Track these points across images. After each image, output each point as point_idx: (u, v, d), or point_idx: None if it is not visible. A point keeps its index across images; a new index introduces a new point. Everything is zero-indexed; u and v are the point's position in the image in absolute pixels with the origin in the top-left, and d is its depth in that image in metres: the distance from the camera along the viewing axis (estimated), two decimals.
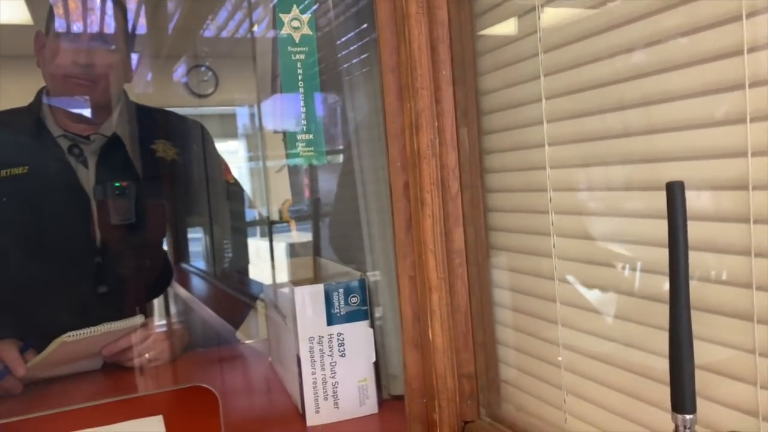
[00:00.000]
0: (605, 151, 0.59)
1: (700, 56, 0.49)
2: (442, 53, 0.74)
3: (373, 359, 0.85)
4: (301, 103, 0.73)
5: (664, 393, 0.45)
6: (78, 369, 1.12)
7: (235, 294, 1.54)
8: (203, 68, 4.58)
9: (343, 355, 0.84)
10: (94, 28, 1.26)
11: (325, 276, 1.04)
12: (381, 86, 0.76)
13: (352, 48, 0.87)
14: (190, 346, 1.23)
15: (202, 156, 1.42)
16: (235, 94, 4.73)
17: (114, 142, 1.24)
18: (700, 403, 0.43)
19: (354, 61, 0.86)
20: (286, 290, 0.90)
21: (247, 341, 1.45)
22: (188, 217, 1.46)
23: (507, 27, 0.71)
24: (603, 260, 0.60)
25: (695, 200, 0.50)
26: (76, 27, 1.26)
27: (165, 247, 1.34)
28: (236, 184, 1.54)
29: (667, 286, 0.41)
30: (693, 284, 0.44)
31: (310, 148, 0.73)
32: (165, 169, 1.31)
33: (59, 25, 1.21)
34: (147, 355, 1.12)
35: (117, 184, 1.18)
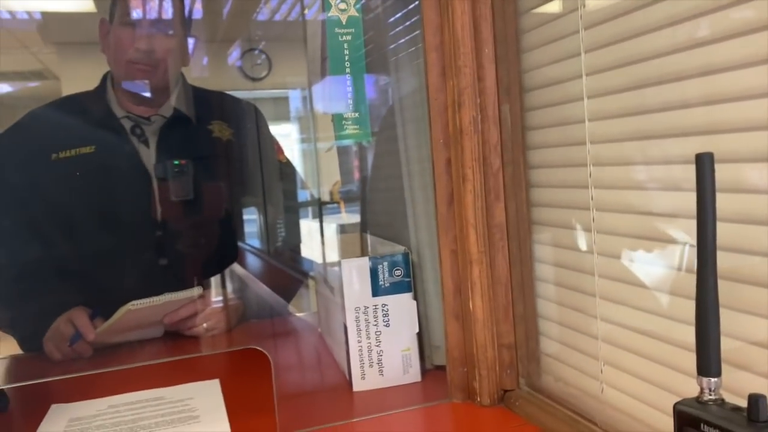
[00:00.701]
0: (645, 125, 0.59)
1: (741, 30, 0.49)
2: (485, 32, 0.76)
3: (416, 330, 0.89)
4: (348, 83, 0.76)
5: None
6: (141, 336, 1.20)
7: (287, 270, 1.60)
8: (256, 52, 4.67)
9: (387, 325, 0.88)
10: (154, 15, 1.33)
11: (372, 251, 1.07)
12: (424, 65, 0.78)
13: (398, 29, 0.89)
14: (245, 318, 1.30)
15: (256, 136, 1.48)
16: (287, 78, 4.81)
17: (173, 123, 1.31)
18: (728, 369, 0.44)
19: (400, 41, 0.88)
20: (335, 265, 0.94)
21: (298, 314, 1.51)
22: (243, 197, 1.52)
23: (550, 5, 0.72)
24: (641, 234, 0.61)
25: (732, 172, 0.50)
26: (137, 14, 1.32)
27: (226, 227, 1.39)
28: (288, 164, 1.59)
29: None
30: (723, 255, 0.45)
31: (357, 127, 0.76)
32: (221, 149, 1.37)
33: (121, 12, 1.28)
34: (205, 325, 1.19)
35: (176, 163, 1.24)
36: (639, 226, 0.62)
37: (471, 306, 0.77)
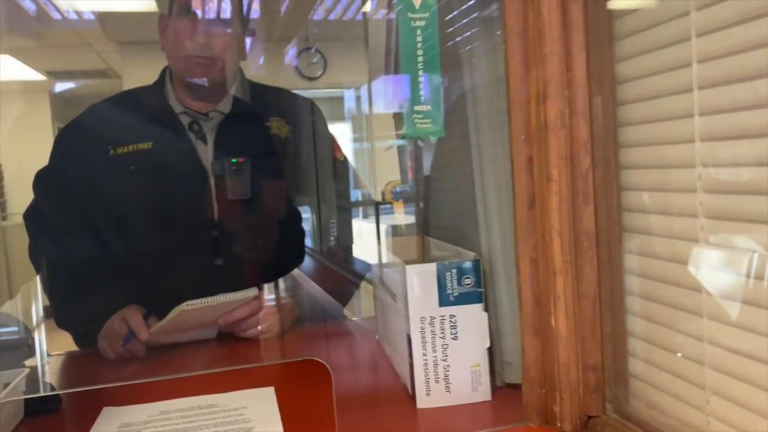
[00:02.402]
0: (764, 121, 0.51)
1: None
2: (575, 16, 0.68)
3: (487, 344, 0.81)
4: (420, 72, 0.69)
5: None
6: (195, 337, 1.16)
7: (342, 272, 1.55)
8: (312, 51, 4.67)
9: (455, 338, 0.81)
10: (212, 11, 1.30)
11: (434, 256, 1.01)
12: (505, 53, 0.71)
13: (472, 16, 0.82)
14: (299, 321, 1.25)
15: (313, 133, 1.43)
16: (343, 77, 4.79)
17: (231, 119, 1.27)
18: None
19: (475, 29, 0.81)
20: (395, 269, 0.88)
21: (353, 318, 1.45)
22: (297, 195, 1.47)
23: None
24: (765, 246, 0.52)
25: None
26: (196, 9, 1.29)
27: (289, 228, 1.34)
28: (345, 162, 1.54)
29: None
30: None
31: (428, 121, 0.70)
32: (279, 146, 1.32)
33: (180, 3, 1.25)
34: (259, 327, 1.14)
35: (234, 160, 1.20)
36: (756, 236, 0.53)
37: (553, 321, 0.69)
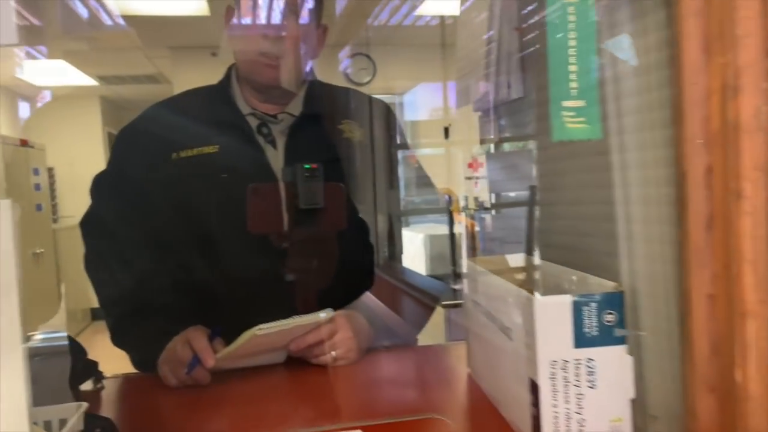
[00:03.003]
0: None
1: None
2: None
3: (632, 395, 0.66)
4: (570, 59, 0.55)
5: None
6: (262, 362, 1.05)
7: (416, 295, 1.41)
8: (361, 56, 4.57)
9: (592, 387, 0.66)
10: (282, 3, 1.18)
11: (548, 284, 0.86)
12: (676, 36, 0.56)
13: None
14: (371, 346, 1.12)
15: (388, 138, 1.30)
16: (392, 82, 4.68)
17: (302, 122, 1.15)
18: None
19: (618, 4, 0.67)
20: (513, 298, 0.74)
21: (431, 344, 1.32)
22: (361, 204, 1.35)
23: None
24: None
25: None
26: (264, 2, 1.18)
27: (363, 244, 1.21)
28: (419, 168, 1.41)
29: None
30: None
31: (581, 120, 0.56)
32: (352, 151, 1.20)
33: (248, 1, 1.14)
34: (334, 353, 1.02)
35: (306, 167, 1.08)
36: None
37: (738, 376, 0.54)
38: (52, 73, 4.85)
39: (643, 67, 0.65)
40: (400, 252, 1.64)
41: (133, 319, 1.06)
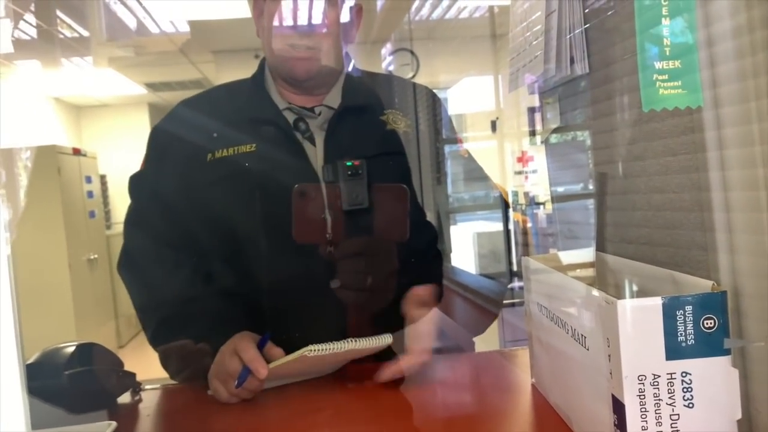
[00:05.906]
0: None
1: None
2: None
3: (738, 415, 0.56)
4: (664, 13, 0.45)
5: None
6: (310, 375, 0.98)
7: (470, 296, 1.32)
8: (404, 51, 4.48)
9: (689, 406, 0.56)
10: None
11: (624, 284, 0.76)
12: None
13: None
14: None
15: (435, 128, 1.21)
16: (435, 77, 4.58)
17: (341, 115, 1.07)
18: None
19: None
20: (586, 301, 0.64)
21: (479, 346, 1.22)
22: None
23: None
24: None
25: None
26: None
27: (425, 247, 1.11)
28: (471, 159, 1.31)
29: None
30: None
31: (677, 84, 0.46)
32: (396, 144, 1.11)
33: None
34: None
35: (348, 164, 1.00)
36: None
37: None
38: (101, 82, 4.95)
39: (746, 26, 0.54)
40: (450, 251, 1.55)
41: (174, 329, 1.00)
